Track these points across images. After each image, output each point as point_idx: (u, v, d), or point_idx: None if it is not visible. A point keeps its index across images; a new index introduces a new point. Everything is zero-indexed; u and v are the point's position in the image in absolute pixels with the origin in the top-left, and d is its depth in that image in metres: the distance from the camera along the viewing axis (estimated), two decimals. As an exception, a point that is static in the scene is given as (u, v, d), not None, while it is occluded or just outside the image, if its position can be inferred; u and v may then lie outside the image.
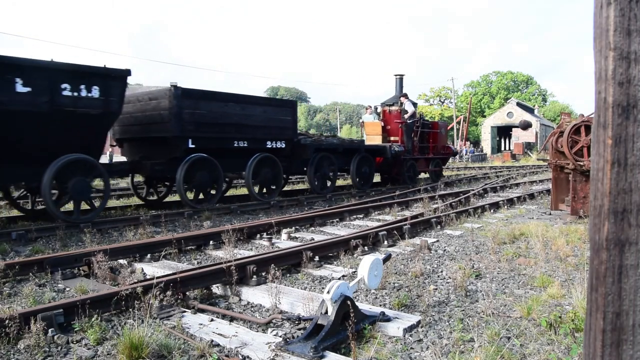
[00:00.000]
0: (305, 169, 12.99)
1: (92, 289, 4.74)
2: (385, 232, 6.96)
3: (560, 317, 3.60)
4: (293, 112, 12.59)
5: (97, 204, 9.47)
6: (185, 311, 4.06)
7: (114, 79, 8.81)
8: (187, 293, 4.48)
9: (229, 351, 3.30)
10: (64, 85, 8.12)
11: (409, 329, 3.60)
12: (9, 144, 7.86)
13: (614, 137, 1.40)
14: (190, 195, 10.51)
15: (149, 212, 9.85)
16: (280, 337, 3.46)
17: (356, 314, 3.52)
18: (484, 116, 72.98)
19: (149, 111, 10.28)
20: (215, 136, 10.65)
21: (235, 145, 11.07)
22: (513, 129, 60.67)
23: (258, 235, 7.53)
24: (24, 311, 3.63)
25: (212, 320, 3.87)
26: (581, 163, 8.57)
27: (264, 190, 11.87)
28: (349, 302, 3.40)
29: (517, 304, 4.11)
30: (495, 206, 10.84)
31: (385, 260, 4.44)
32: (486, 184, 16.31)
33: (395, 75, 18.40)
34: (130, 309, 3.90)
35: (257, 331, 3.68)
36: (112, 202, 12.76)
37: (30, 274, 5.20)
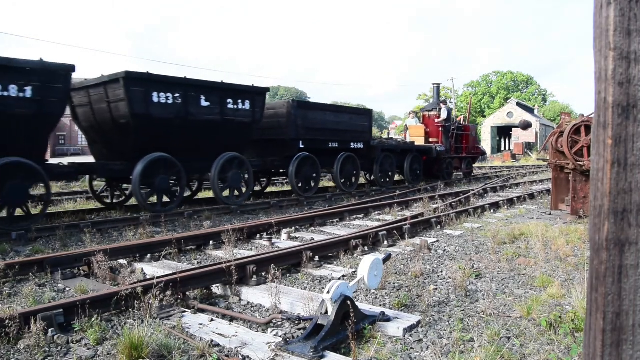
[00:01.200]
0: (372, 166, 15.45)
1: (92, 289, 4.74)
2: (385, 232, 6.96)
3: (560, 317, 3.60)
4: (369, 119, 15.37)
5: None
6: (185, 311, 4.06)
7: (259, 95, 11.38)
8: (187, 293, 4.48)
9: (229, 351, 3.30)
10: (228, 100, 10.75)
11: (409, 329, 3.60)
12: (196, 145, 10.38)
13: (614, 137, 1.40)
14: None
15: (148, 212, 9.84)
16: (280, 337, 3.46)
17: (356, 314, 3.52)
18: (484, 116, 72.95)
19: (270, 118, 12.52)
20: (317, 138, 13.23)
21: (329, 146, 13.70)
22: (513, 129, 60.67)
23: (258, 235, 7.54)
24: (24, 311, 3.63)
25: (212, 320, 3.87)
26: (581, 163, 8.57)
27: (347, 183, 14.26)
28: (349, 302, 3.40)
29: (517, 304, 4.11)
30: (495, 206, 10.84)
31: (385, 260, 4.44)
32: (486, 184, 16.32)
33: (433, 84, 21.69)
34: (130, 309, 3.90)
35: (257, 331, 3.68)
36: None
37: (30, 274, 5.19)
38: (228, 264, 4.68)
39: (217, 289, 4.78)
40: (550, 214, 9.91)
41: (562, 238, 6.70)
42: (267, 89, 11.68)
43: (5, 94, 7.59)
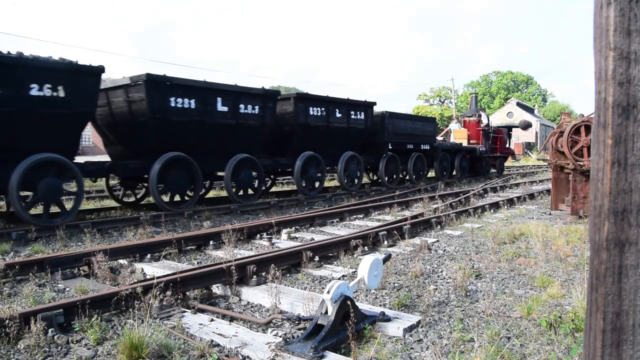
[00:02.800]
0: (434, 163, 18.82)
1: (92, 289, 4.74)
2: (385, 232, 6.96)
3: (560, 317, 3.60)
4: (434, 125, 19.23)
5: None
6: (185, 311, 4.06)
7: (369, 108, 14.85)
8: (187, 293, 4.48)
9: (229, 351, 3.30)
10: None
11: (409, 329, 3.60)
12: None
13: (614, 137, 1.40)
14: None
15: (149, 212, 9.85)
16: (280, 337, 3.46)
17: (356, 314, 3.52)
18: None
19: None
20: (399, 141, 16.47)
21: (407, 147, 16.95)
22: (513, 129, 60.61)
23: (258, 235, 7.53)
24: (24, 311, 3.63)
25: (212, 320, 3.87)
26: (581, 163, 8.57)
27: (418, 177, 17.58)
28: (349, 302, 3.40)
29: (517, 304, 4.11)
30: (495, 206, 10.84)
31: (385, 260, 4.44)
32: (486, 184, 16.33)
33: (471, 94, 28.07)
34: (130, 309, 3.90)
35: (257, 331, 3.68)
36: (112, 202, 12.76)
37: (30, 274, 5.19)
38: (228, 264, 4.68)
39: (217, 289, 4.78)
40: (550, 214, 9.91)
41: (562, 238, 6.70)
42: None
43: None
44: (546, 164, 12.64)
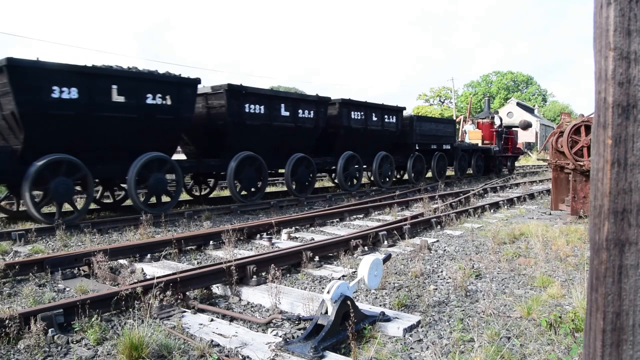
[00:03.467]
0: (453, 162, 20.36)
1: (92, 289, 4.74)
2: (385, 232, 6.96)
3: (560, 317, 3.60)
4: (454, 127, 21.22)
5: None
6: (185, 311, 4.06)
7: (399, 112, 16.41)
8: (187, 293, 4.48)
9: (229, 351, 3.30)
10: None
11: (409, 329, 3.60)
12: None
13: (614, 137, 1.40)
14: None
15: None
16: (280, 337, 3.46)
17: (356, 314, 3.52)
18: (484, 116, 72.93)
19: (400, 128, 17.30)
20: (425, 142, 18.25)
21: (431, 147, 18.64)
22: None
23: (258, 235, 7.53)
24: (24, 311, 3.63)
25: (212, 320, 3.87)
26: (581, 163, 8.57)
27: (440, 175, 19.08)
28: (349, 302, 3.40)
29: (517, 304, 4.11)
30: (495, 206, 10.84)
31: (385, 260, 4.44)
32: (486, 184, 16.33)
33: (485, 96, 32.00)
34: (130, 309, 3.90)
35: (257, 331, 3.68)
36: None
37: (30, 274, 5.20)
38: (228, 264, 4.68)
39: (217, 289, 4.77)
40: (550, 214, 9.91)
41: (562, 238, 6.70)
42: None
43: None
44: (546, 164, 12.69)
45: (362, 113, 14.82)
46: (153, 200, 10.04)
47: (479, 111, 79.19)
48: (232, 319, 3.95)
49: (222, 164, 11.18)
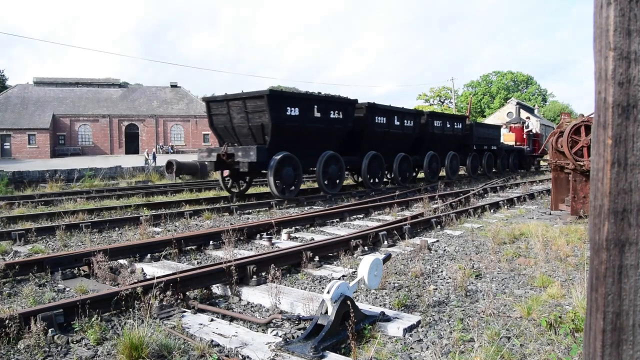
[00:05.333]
0: (497, 160, 24.02)
1: (92, 289, 4.74)
2: (385, 232, 6.96)
3: (560, 317, 3.60)
4: (499, 131, 25.68)
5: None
6: (185, 311, 4.06)
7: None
8: (187, 293, 4.48)
9: (229, 351, 3.29)
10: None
11: (409, 329, 3.60)
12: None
13: (614, 137, 1.40)
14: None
15: (148, 212, 9.87)
16: (280, 337, 3.46)
17: (356, 314, 3.52)
18: (484, 116, 72.94)
19: (461, 132, 20.96)
20: (479, 144, 22.21)
21: (483, 148, 22.53)
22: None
23: (258, 235, 7.53)
24: (24, 311, 3.63)
25: (212, 320, 3.86)
26: (581, 163, 8.57)
27: (489, 171, 22.90)
28: (349, 302, 3.40)
29: (517, 304, 4.10)
30: (495, 206, 10.84)
31: (385, 260, 4.44)
32: (486, 184, 16.32)
33: (517, 104, 37.32)
34: (130, 309, 3.90)
35: (257, 331, 3.68)
36: (112, 202, 12.78)
37: (30, 274, 5.19)
38: (228, 264, 4.68)
39: (217, 289, 4.77)
40: (550, 214, 9.91)
41: (562, 238, 6.70)
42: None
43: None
44: (546, 163, 12.74)
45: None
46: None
47: (478, 111, 79.63)
48: (232, 319, 3.95)
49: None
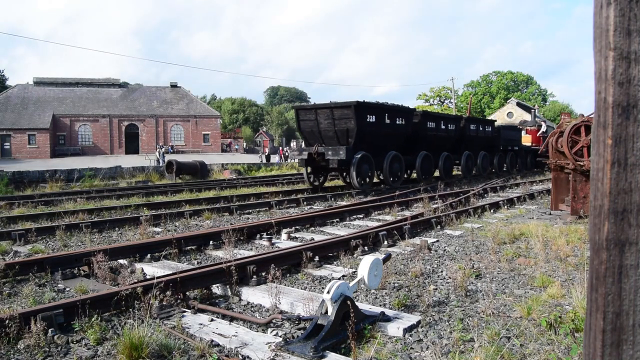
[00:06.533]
0: (517, 159, 26.28)
1: (92, 289, 4.74)
2: (385, 232, 6.96)
3: (560, 317, 3.60)
4: (520, 132, 28.39)
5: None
6: (185, 311, 4.06)
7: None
8: (187, 293, 4.48)
9: (229, 351, 3.29)
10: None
11: (409, 329, 3.60)
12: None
13: (614, 137, 1.40)
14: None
15: (148, 212, 9.87)
16: (280, 337, 3.46)
17: (356, 314, 3.52)
18: (484, 116, 72.90)
19: (491, 134, 23.71)
20: (505, 145, 24.80)
21: (508, 148, 25.08)
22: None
23: (258, 235, 7.52)
24: (24, 311, 3.63)
25: (212, 320, 3.87)
26: (581, 163, 8.57)
27: (513, 169, 25.36)
28: (349, 302, 3.40)
29: (517, 304, 4.10)
30: (495, 206, 10.84)
31: (385, 260, 4.44)
32: (486, 184, 16.32)
33: (531, 108, 40.44)
34: (130, 309, 3.90)
35: (257, 331, 3.68)
36: (112, 202, 12.78)
37: (30, 274, 5.19)
38: (228, 264, 4.68)
39: (217, 289, 4.77)
40: (550, 214, 9.91)
41: (562, 238, 6.69)
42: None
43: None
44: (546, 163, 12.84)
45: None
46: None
47: (478, 111, 79.87)
48: (232, 319, 3.95)
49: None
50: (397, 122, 16.59)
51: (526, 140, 30.10)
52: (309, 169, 16.06)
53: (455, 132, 20.20)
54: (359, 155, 14.54)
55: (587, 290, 1.55)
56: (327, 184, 17.42)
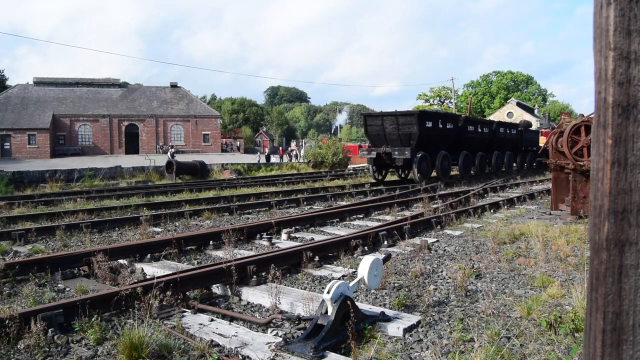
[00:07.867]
0: (535, 158, 28.85)
1: (92, 289, 4.74)
2: (385, 232, 6.96)
3: (560, 317, 3.60)
4: (538, 134, 31.97)
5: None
6: (185, 311, 4.06)
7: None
8: (187, 293, 4.48)
9: (229, 351, 3.29)
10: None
11: (409, 329, 3.60)
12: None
13: (614, 137, 1.40)
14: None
15: (148, 212, 9.86)
16: (280, 337, 3.46)
17: (356, 314, 3.52)
18: (484, 116, 72.87)
19: (515, 136, 26.99)
20: (526, 145, 27.90)
21: (527, 148, 28.04)
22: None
23: (258, 235, 7.52)
24: (24, 311, 3.63)
25: (212, 320, 3.87)
26: (581, 163, 8.57)
27: (529, 167, 28.09)
28: (349, 302, 3.40)
29: (517, 304, 4.10)
30: (495, 206, 10.83)
31: (385, 260, 4.44)
32: (486, 184, 16.32)
33: (544, 114, 51.91)
34: (130, 309, 3.90)
35: (257, 331, 3.68)
36: (112, 202, 12.77)
37: (30, 274, 5.19)
38: (228, 264, 4.68)
39: (217, 289, 4.77)
40: (550, 214, 9.91)
41: (562, 238, 6.69)
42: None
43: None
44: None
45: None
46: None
47: (478, 111, 79.93)
48: (232, 319, 3.95)
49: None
50: (447, 127, 19.68)
51: (541, 141, 32.75)
52: (374, 167, 19.47)
53: (489, 134, 23.16)
54: (419, 155, 17.67)
55: (587, 290, 1.55)
56: (389, 178, 20.57)
